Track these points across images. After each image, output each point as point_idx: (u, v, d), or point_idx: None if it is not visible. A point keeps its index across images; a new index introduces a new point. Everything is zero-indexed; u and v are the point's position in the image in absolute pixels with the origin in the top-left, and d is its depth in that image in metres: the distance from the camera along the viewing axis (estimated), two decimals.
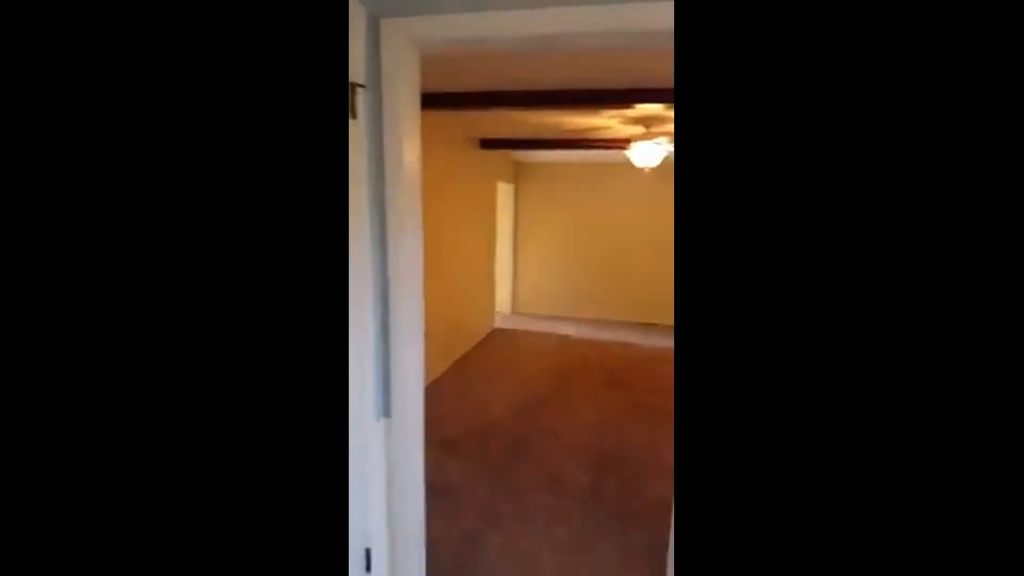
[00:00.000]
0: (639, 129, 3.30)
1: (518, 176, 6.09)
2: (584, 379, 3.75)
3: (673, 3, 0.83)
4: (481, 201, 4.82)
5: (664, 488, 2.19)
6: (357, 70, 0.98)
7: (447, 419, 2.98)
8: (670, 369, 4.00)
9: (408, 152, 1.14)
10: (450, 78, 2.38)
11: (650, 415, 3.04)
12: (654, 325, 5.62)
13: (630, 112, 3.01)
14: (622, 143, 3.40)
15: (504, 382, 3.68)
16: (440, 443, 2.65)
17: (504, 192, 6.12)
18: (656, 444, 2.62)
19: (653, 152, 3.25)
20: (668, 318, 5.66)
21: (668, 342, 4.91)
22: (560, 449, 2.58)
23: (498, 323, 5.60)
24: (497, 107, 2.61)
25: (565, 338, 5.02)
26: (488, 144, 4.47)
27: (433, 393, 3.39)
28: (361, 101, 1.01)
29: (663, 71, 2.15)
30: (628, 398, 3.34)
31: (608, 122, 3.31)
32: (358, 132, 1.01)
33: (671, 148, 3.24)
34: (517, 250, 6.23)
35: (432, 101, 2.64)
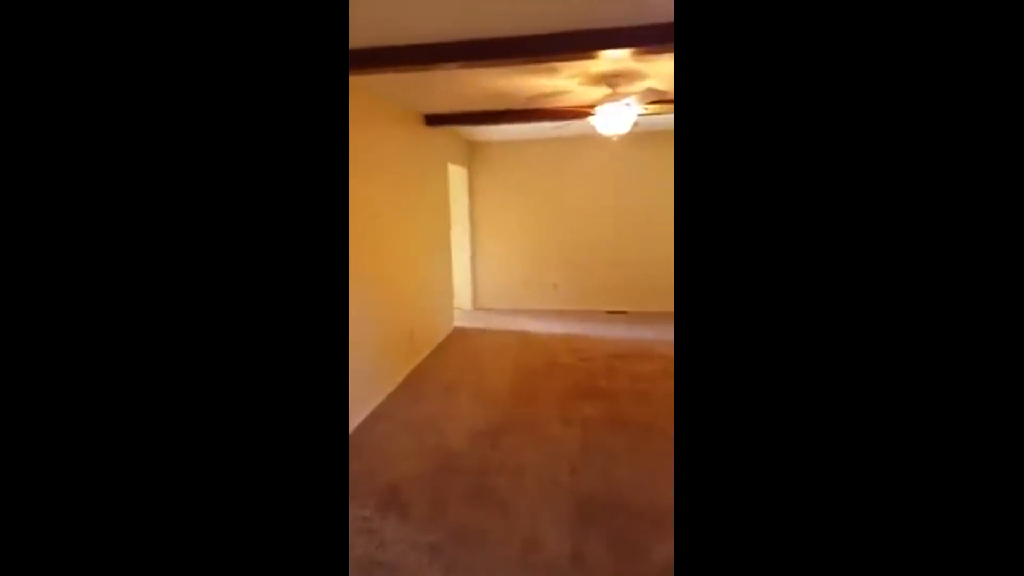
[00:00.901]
0: (604, 90, 2.77)
1: (472, 158, 5.47)
2: (556, 387, 3.25)
3: None
4: (430, 187, 4.19)
5: (668, 545, 1.72)
6: None
7: (395, 457, 2.41)
8: (650, 366, 3.56)
9: None
10: (385, 28, 1.77)
11: (639, 435, 2.57)
12: (622, 313, 5.20)
13: (593, 68, 2.46)
14: (585, 110, 2.87)
15: (465, 397, 3.14)
16: (382, 494, 2.09)
17: (457, 177, 5.49)
18: (652, 478, 2.13)
19: (621, 116, 2.73)
20: (637, 304, 5.26)
21: (640, 332, 4.50)
22: (534, 494, 2.07)
23: (458, 322, 5.03)
24: (441, 63, 2.01)
25: (531, 336, 4.51)
26: (434, 120, 3.83)
27: (379, 421, 2.80)
28: None
29: (626, 6, 1.61)
30: (609, 410, 2.87)
31: (568, 83, 2.76)
32: None
33: (643, 108, 2.71)
34: (475, 241, 5.64)
35: (364, 59, 2.01)
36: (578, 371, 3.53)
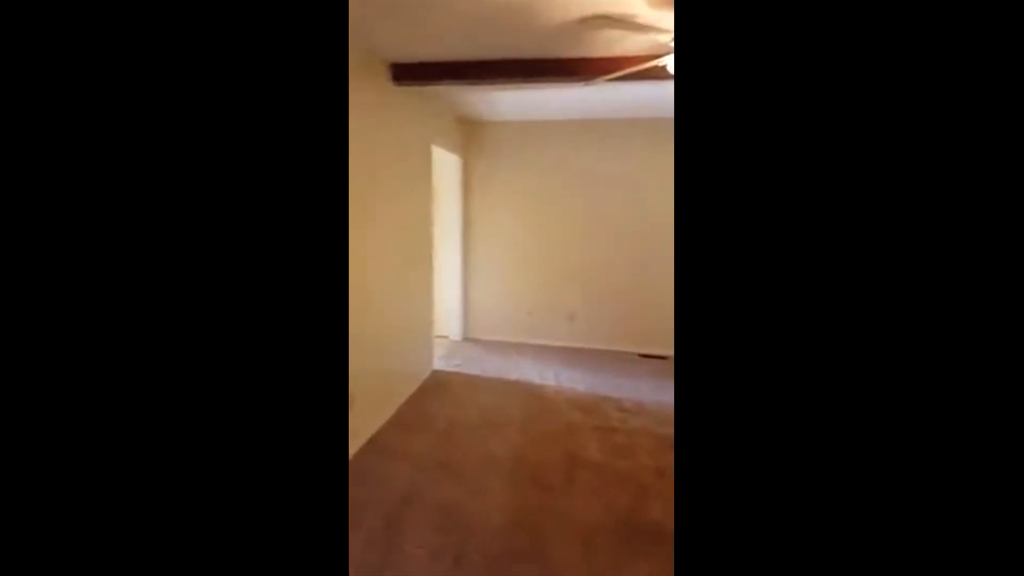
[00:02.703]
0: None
1: (468, 142, 4.18)
2: (580, 519, 1.94)
3: None
4: (407, 177, 2.91)
5: None
6: None
7: None
8: None
9: None
10: None
11: None
12: (661, 358, 3.89)
13: None
14: (641, 60, 1.61)
15: (430, 525, 1.84)
16: None
17: (447, 166, 4.20)
18: None
19: None
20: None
21: None
22: None
23: (440, 361, 3.73)
24: None
25: (539, 394, 3.20)
26: (406, 74, 2.54)
27: None
28: None
29: None
30: None
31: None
32: None
33: None
34: (469, 251, 4.34)
35: None
36: (615, 480, 2.21)
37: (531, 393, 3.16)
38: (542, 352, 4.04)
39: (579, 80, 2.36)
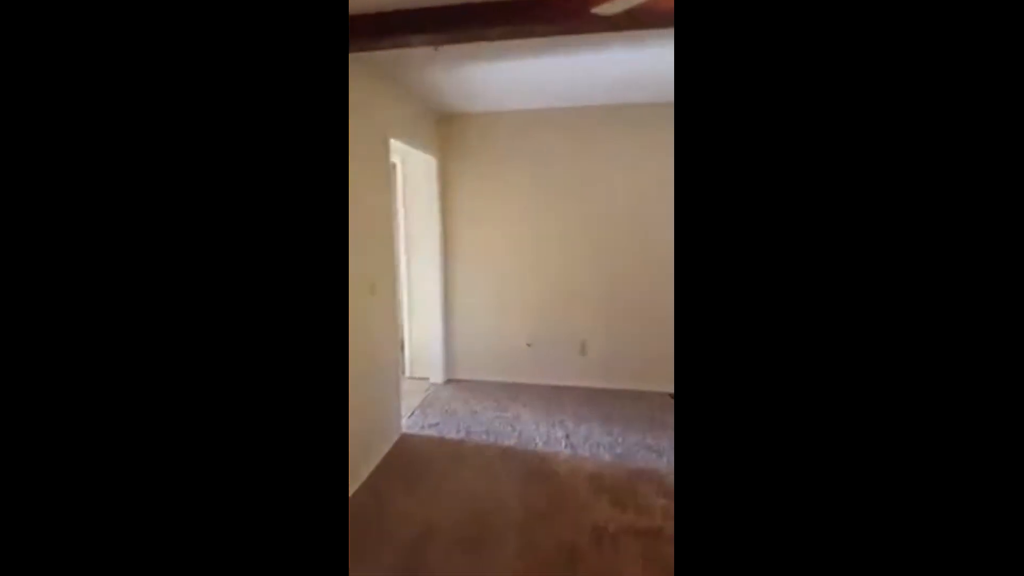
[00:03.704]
0: None
1: (444, 140, 3.38)
2: None
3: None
4: (354, 181, 2.08)
5: None
6: None
7: None
8: None
9: None
10: None
11: None
12: None
13: None
14: None
15: None
16: None
17: (419, 168, 3.40)
18: None
19: None
20: None
21: None
22: None
23: (410, 420, 2.85)
24: None
25: (545, 464, 2.34)
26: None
27: None
28: None
29: None
30: None
31: None
32: None
33: None
34: (449, 271, 3.51)
35: None
36: None
37: (535, 468, 2.29)
38: (548, 396, 3.18)
39: (577, 25, 1.56)
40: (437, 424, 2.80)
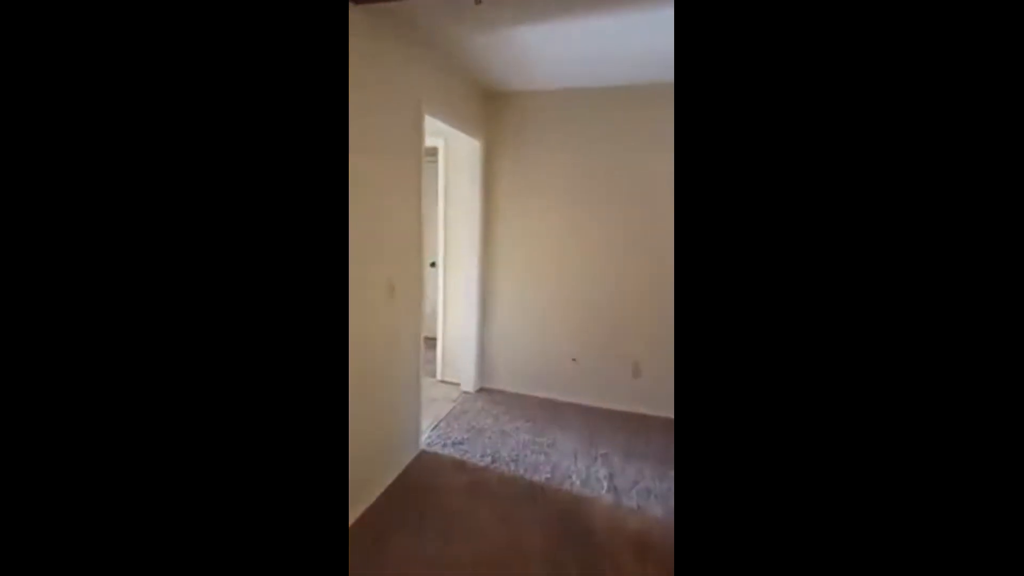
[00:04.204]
0: None
1: (490, 121, 3.01)
2: None
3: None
4: (384, 160, 1.76)
5: None
6: None
7: None
8: None
9: None
10: None
11: None
12: None
13: None
14: None
15: None
16: None
17: (461, 153, 3.06)
18: None
19: None
20: None
21: None
22: None
23: (432, 433, 2.54)
24: None
25: (582, 513, 1.92)
26: None
27: None
28: None
29: None
30: None
31: None
32: None
33: None
34: (489, 268, 3.15)
35: None
36: None
37: (568, 517, 1.88)
38: (591, 422, 2.75)
39: None
40: (462, 443, 2.47)
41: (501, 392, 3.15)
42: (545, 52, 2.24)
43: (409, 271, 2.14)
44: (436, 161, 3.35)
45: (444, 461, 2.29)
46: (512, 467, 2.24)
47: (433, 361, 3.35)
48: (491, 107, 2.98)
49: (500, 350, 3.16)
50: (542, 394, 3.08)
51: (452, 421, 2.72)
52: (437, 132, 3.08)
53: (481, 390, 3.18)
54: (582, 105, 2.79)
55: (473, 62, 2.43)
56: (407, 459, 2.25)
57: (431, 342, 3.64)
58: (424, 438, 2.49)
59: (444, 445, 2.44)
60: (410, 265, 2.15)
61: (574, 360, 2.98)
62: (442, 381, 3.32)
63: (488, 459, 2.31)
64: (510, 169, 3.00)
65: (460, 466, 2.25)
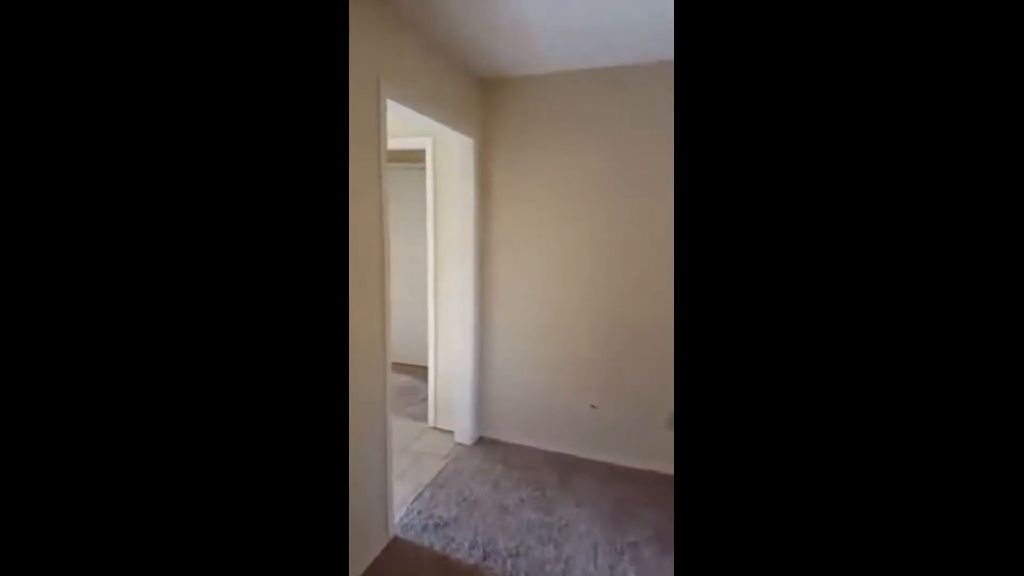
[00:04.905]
0: None
1: (486, 114, 2.48)
2: None
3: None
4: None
5: None
6: None
7: None
8: None
9: None
10: None
11: None
12: None
13: None
14: None
15: None
16: None
17: (451, 153, 2.55)
18: None
19: None
20: None
21: None
22: None
23: (406, 510, 1.98)
24: None
25: None
26: None
27: None
28: None
29: None
30: None
31: None
32: None
33: None
34: (487, 296, 2.60)
35: None
36: None
37: None
38: (616, 488, 2.15)
39: None
40: (447, 524, 1.91)
41: (503, 445, 2.59)
42: (546, 17, 1.71)
43: (369, 293, 1.61)
44: (423, 167, 2.85)
45: (421, 556, 1.73)
46: (510, 566, 1.67)
47: (425, 400, 2.81)
48: (487, 98, 2.46)
49: (502, 391, 2.60)
50: (552, 447, 2.50)
51: (438, 489, 2.16)
52: (424, 130, 2.57)
53: (479, 441, 2.62)
54: (607, 81, 2.24)
55: (460, 38, 1.91)
56: (373, 551, 1.71)
57: (423, 372, 3.09)
58: (400, 516, 1.94)
59: (424, 528, 1.89)
60: (370, 286, 1.62)
61: (593, 407, 2.40)
62: (434, 428, 2.77)
63: (479, 552, 1.75)
64: (509, 172, 2.47)
65: (441, 563, 1.69)
